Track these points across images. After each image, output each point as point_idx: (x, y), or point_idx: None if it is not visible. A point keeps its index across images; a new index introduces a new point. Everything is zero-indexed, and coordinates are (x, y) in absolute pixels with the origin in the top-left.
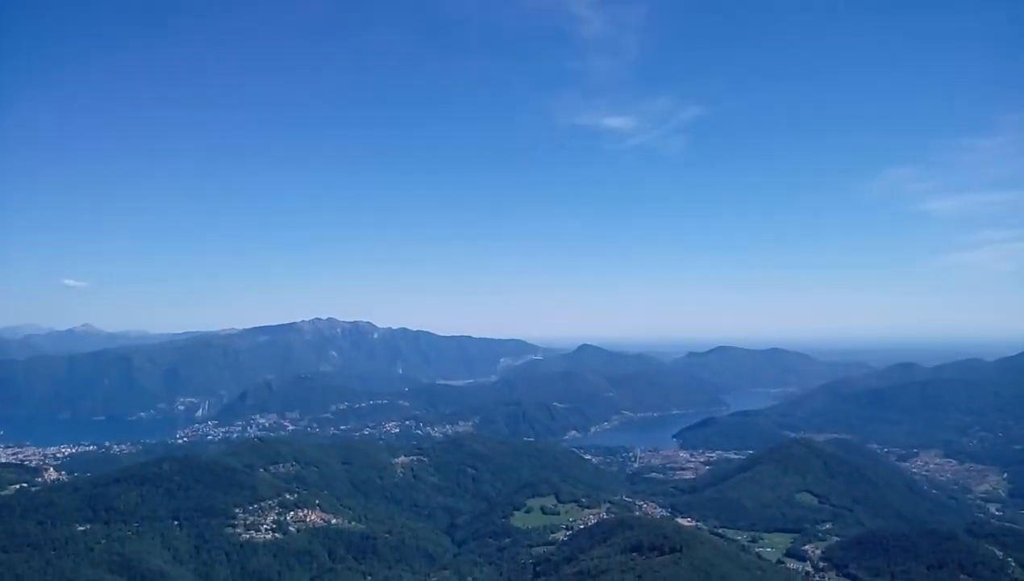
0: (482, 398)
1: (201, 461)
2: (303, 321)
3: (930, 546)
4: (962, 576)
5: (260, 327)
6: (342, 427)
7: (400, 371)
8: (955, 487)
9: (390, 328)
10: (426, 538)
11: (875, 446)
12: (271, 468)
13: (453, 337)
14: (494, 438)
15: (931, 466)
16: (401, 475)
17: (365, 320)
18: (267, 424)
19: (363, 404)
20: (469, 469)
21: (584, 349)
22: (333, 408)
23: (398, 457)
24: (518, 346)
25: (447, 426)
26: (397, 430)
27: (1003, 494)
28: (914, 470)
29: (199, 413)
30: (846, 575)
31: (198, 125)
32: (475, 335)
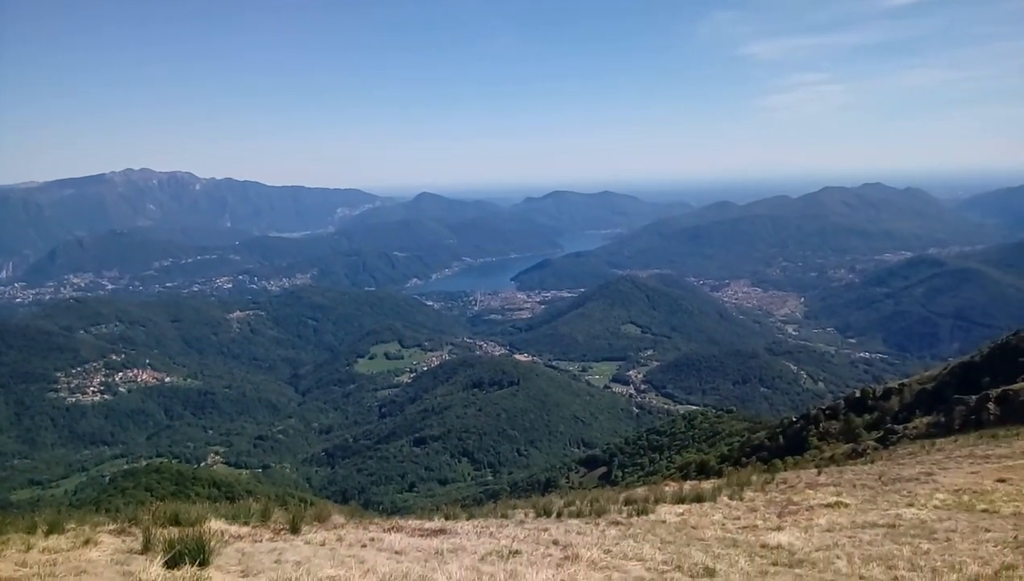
0: (319, 249)
1: (12, 325)
2: (113, 172)
3: (736, 365)
4: (762, 389)
5: (64, 180)
6: (168, 285)
7: (228, 224)
8: (759, 312)
9: (213, 178)
10: (268, 390)
11: (692, 279)
12: (92, 330)
13: (285, 187)
14: (334, 289)
15: (740, 294)
16: (238, 330)
17: (185, 170)
18: (83, 284)
19: (190, 260)
20: (310, 321)
21: (423, 197)
22: (156, 265)
23: (233, 312)
24: (355, 195)
25: (284, 279)
26: (230, 285)
27: (800, 316)
28: (725, 299)
29: (2, 275)
30: (664, 395)
31: None
32: (309, 185)
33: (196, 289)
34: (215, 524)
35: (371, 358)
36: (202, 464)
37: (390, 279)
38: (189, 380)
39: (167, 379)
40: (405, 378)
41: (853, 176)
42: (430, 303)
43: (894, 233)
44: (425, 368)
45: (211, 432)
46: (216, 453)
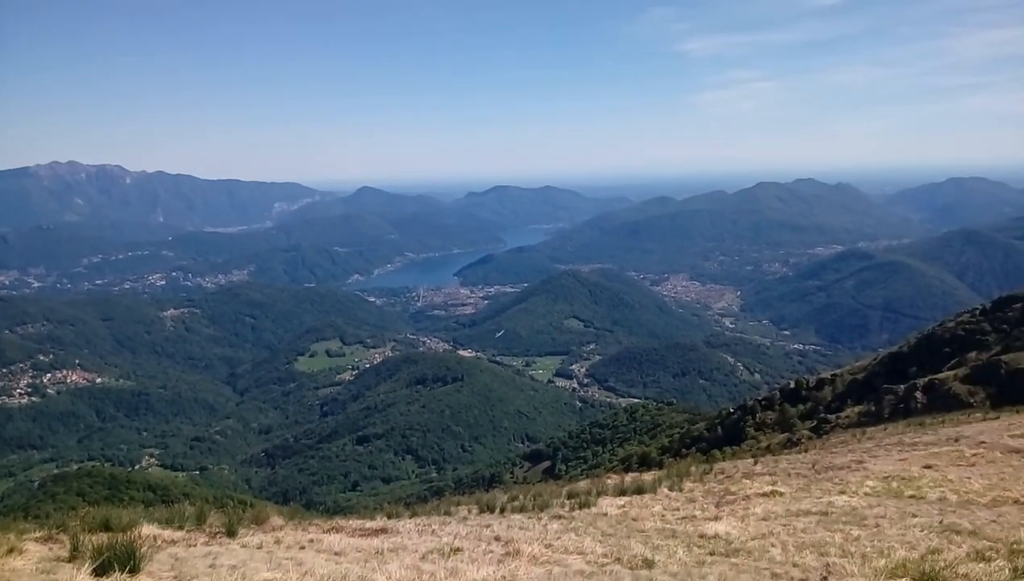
0: (257, 245)
1: None
2: (39, 165)
3: (675, 357)
4: (701, 381)
5: None
6: (98, 282)
7: (161, 219)
8: (698, 305)
9: (145, 172)
10: (205, 390)
11: (633, 273)
12: (18, 329)
13: (220, 181)
14: (273, 286)
15: (679, 288)
16: (172, 329)
17: (114, 164)
18: (7, 282)
19: (120, 256)
20: (248, 318)
21: (364, 191)
22: (85, 262)
23: (167, 310)
24: (293, 189)
25: (220, 276)
26: (163, 282)
27: (736, 309)
28: (665, 293)
29: None
30: (606, 388)
31: None
32: (245, 179)
33: (128, 286)
34: (148, 529)
35: (312, 356)
36: (136, 467)
37: (330, 275)
38: (121, 381)
39: (98, 380)
40: (347, 376)
41: (786, 171)
42: (372, 299)
43: (825, 227)
44: (367, 365)
45: (145, 434)
46: (151, 456)
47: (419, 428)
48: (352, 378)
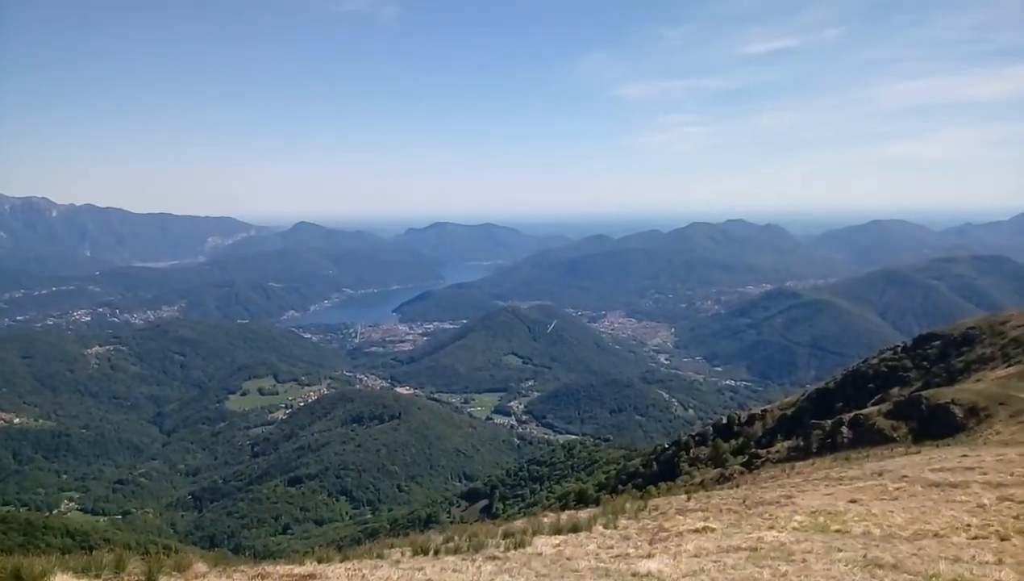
0: (189, 280)
1: None
2: None
3: (612, 394)
4: (637, 417)
5: None
6: (19, 318)
7: (88, 253)
8: (634, 342)
9: (73, 205)
10: (130, 430)
11: (571, 310)
12: None
13: (151, 214)
14: (204, 322)
15: (615, 325)
16: (96, 366)
17: (40, 196)
18: None
19: (44, 291)
20: (177, 355)
21: (301, 226)
22: (6, 297)
23: (91, 347)
24: (228, 224)
25: (148, 312)
26: (88, 318)
27: (671, 346)
28: (602, 329)
29: None
30: (544, 424)
31: None
32: (177, 213)
33: (51, 323)
34: (61, 578)
35: (243, 394)
36: (55, 512)
37: (265, 311)
38: (41, 421)
39: (16, 420)
40: (280, 414)
41: (718, 212)
42: (308, 336)
43: (755, 267)
44: (302, 403)
45: (65, 477)
46: (71, 500)
47: (354, 468)
48: (285, 417)
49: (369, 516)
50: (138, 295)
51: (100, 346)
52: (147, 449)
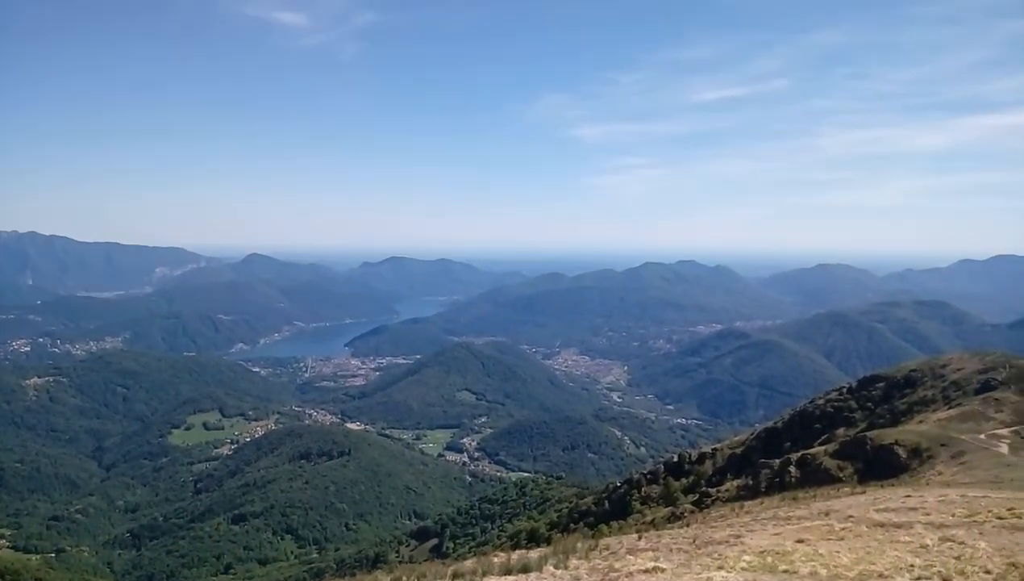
0: (134, 311)
1: None
2: None
3: (565, 431)
4: (589, 454)
5: None
6: None
7: (30, 281)
8: (587, 379)
9: (16, 232)
10: (67, 464)
11: (525, 346)
12: None
13: (98, 243)
14: (149, 354)
15: (569, 362)
16: (34, 398)
17: None
18: None
19: None
20: (119, 388)
21: (253, 258)
22: None
23: (29, 379)
24: (177, 254)
25: (91, 343)
26: (28, 349)
27: (624, 383)
28: (556, 366)
29: None
30: (497, 462)
31: None
32: (125, 242)
33: None
34: None
35: (188, 429)
36: None
37: (213, 344)
38: None
39: None
40: (225, 450)
41: (671, 253)
42: (256, 369)
43: (706, 307)
44: (248, 439)
45: None
46: (1, 537)
47: (301, 506)
48: (231, 452)
49: (315, 555)
50: (81, 326)
51: (39, 377)
52: (85, 484)
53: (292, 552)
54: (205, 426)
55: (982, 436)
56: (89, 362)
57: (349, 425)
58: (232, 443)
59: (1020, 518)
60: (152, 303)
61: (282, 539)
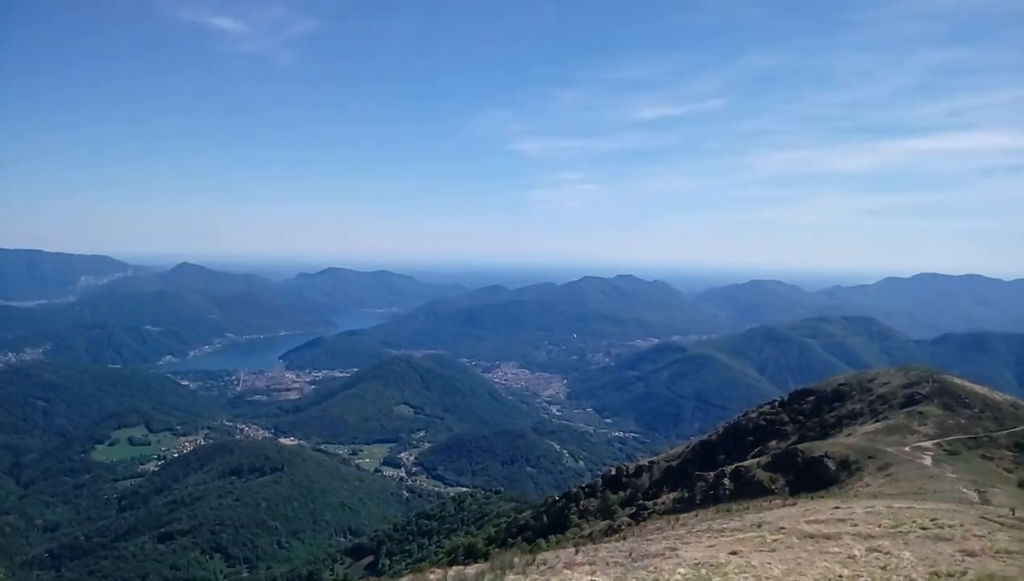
0: (56, 321)
1: None
2: None
3: (504, 445)
4: (528, 468)
5: None
6: None
7: None
8: (527, 393)
9: None
10: None
11: (465, 360)
12: None
13: (20, 250)
14: (71, 366)
15: (509, 376)
16: None
17: None
18: None
19: None
20: (39, 402)
21: (184, 268)
22: None
23: None
24: (102, 263)
25: (10, 354)
26: None
27: (563, 397)
28: (496, 380)
29: None
30: (435, 477)
31: None
32: (48, 249)
33: None
34: None
35: (112, 444)
36: None
37: (139, 356)
38: None
39: None
40: (151, 466)
41: (610, 267)
42: (185, 383)
43: (644, 321)
44: (176, 455)
45: None
46: None
47: (231, 523)
48: (157, 469)
49: (246, 574)
50: None
51: None
52: (1, 503)
53: (222, 571)
54: (130, 441)
55: (907, 448)
56: (7, 374)
57: (282, 440)
58: (159, 459)
59: (943, 528)
60: (75, 313)
61: (211, 558)
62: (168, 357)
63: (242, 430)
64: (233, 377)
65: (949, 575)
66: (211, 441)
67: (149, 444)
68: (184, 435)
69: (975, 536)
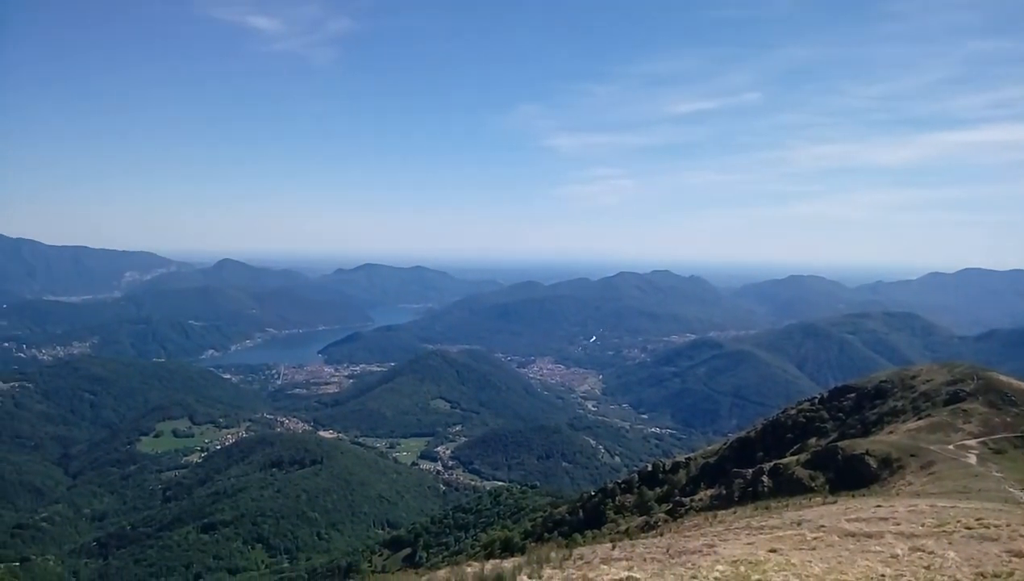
0: (103, 316)
1: None
2: None
3: (540, 440)
4: (564, 463)
5: None
6: None
7: None
8: (562, 388)
9: None
10: (32, 472)
11: (500, 355)
12: None
13: (66, 247)
14: (117, 359)
15: (544, 371)
16: None
17: None
18: None
19: None
20: (87, 394)
21: (225, 264)
22: None
23: None
24: (147, 259)
25: (58, 348)
26: None
27: (598, 393)
28: (531, 375)
29: None
30: (471, 471)
31: None
32: (94, 246)
33: None
34: None
35: (156, 436)
36: None
37: (183, 350)
38: None
39: None
40: (195, 458)
41: (645, 262)
42: (227, 376)
43: (680, 316)
44: (219, 447)
45: None
46: None
47: (272, 514)
48: (200, 460)
49: (286, 565)
50: (47, 330)
51: (4, 383)
52: (50, 492)
53: (263, 561)
54: (174, 433)
55: (951, 447)
56: (55, 367)
57: (322, 433)
58: (202, 451)
59: (988, 528)
60: (121, 308)
61: (252, 548)
62: (210, 351)
63: (283, 423)
64: (273, 371)
65: (995, 576)
66: (252, 433)
67: (192, 436)
68: (226, 427)
69: (1022, 536)
